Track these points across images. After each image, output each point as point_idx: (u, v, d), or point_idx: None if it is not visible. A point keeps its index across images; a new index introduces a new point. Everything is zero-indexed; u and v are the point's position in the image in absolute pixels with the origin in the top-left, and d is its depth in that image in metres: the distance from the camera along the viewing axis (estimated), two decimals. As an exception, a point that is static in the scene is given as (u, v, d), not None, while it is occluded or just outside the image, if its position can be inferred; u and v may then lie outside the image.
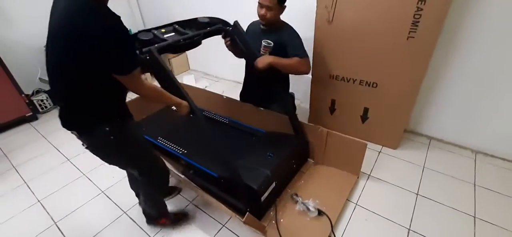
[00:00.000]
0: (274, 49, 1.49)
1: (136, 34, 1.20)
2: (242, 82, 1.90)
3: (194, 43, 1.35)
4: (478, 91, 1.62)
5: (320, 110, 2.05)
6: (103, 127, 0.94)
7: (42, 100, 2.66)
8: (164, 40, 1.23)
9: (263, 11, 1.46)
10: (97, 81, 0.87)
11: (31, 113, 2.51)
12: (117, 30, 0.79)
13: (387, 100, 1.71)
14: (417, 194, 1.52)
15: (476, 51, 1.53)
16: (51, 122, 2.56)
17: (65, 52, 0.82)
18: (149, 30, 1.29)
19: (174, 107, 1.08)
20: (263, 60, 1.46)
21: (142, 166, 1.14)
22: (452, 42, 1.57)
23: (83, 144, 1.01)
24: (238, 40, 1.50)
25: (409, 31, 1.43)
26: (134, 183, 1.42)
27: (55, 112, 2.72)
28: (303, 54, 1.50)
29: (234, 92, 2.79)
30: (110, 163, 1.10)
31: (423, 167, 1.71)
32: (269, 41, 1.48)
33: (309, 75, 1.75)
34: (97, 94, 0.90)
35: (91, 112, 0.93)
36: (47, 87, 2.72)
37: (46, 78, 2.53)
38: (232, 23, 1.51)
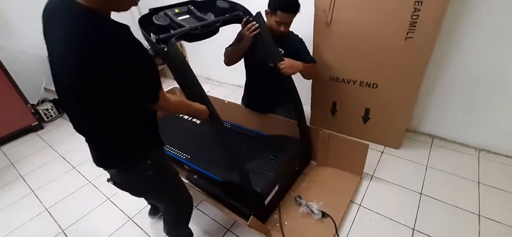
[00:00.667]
0: (284, 56, 1.44)
1: (149, 15, 1.03)
2: (244, 87, 1.89)
3: (212, 31, 1.20)
4: (480, 89, 1.63)
5: (321, 112, 2.06)
6: (145, 160, 0.85)
7: (47, 110, 2.70)
8: (180, 25, 1.07)
9: (282, 28, 1.43)
10: (127, 112, 0.76)
11: (37, 123, 2.55)
12: (138, 54, 0.68)
13: (388, 100, 1.72)
14: (421, 194, 1.52)
15: (476, 48, 1.54)
16: (56, 131, 2.60)
17: (82, 92, 0.68)
18: (161, 9, 1.10)
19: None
20: (293, 66, 1.38)
21: (170, 199, 1.06)
22: (452, 41, 1.58)
23: (109, 180, 0.93)
24: (261, 33, 1.34)
25: (407, 32, 1.44)
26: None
27: (60, 121, 2.77)
28: (313, 59, 1.58)
29: (235, 96, 2.82)
30: (136, 196, 1.01)
31: (426, 166, 1.71)
32: (280, 49, 1.46)
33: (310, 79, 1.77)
34: (129, 125, 0.80)
35: (128, 145, 0.82)
36: (52, 96, 2.77)
37: (51, 88, 2.58)
38: (254, 14, 1.36)
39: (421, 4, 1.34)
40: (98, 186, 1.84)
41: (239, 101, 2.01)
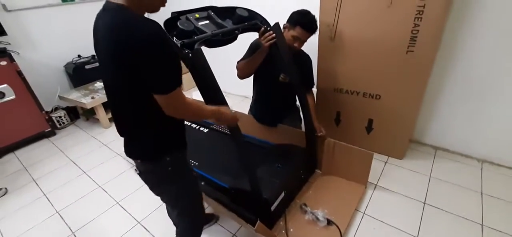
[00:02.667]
0: (295, 73, 1.49)
1: (174, 20, 1.02)
2: (252, 99, 1.94)
3: (231, 39, 1.20)
4: (482, 100, 1.67)
5: (325, 122, 2.10)
6: (163, 157, 0.89)
7: (60, 117, 2.80)
8: (202, 31, 1.07)
9: (296, 44, 1.47)
10: (153, 106, 0.78)
11: (50, 129, 2.65)
12: (160, 40, 0.70)
13: (391, 111, 1.76)
14: (424, 203, 1.54)
15: (477, 59, 1.59)
16: (68, 137, 2.69)
17: (115, 73, 0.76)
18: (182, 13, 1.10)
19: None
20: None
21: (185, 203, 1.06)
22: (453, 53, 1.64)
23: (136, 170, 0.98)
24: (277, 43, 1.34)
25: (408, 46, 1.51)
26: (171, 213, 1.29)
27: (72, 128, 2.86)
28: (313, 83, 1.76)
29: (241, 106, 2.89)
30: (154, 192, 1.03)
31: (430, 176, 1.73)
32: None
33: (314, 89, 1.83)
34: (157, 120, 0.84)
35: (151, 140, 0.87)
36: (65, 104, 2.87)
37: (65, 96, 2.69)
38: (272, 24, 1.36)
39: (421, 20, 1.42)
40: (108, 190, 1.89)
41: (245, 111, 2.07)
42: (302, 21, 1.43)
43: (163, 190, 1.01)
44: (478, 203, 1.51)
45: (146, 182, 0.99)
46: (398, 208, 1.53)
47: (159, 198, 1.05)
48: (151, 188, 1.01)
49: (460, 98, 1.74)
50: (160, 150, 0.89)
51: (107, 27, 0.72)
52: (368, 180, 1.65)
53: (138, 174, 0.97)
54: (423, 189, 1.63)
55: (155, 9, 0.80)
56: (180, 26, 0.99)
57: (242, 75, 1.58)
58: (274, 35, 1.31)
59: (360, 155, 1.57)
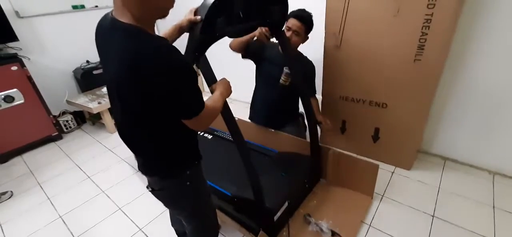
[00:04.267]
0: (292, 75, 1.53)
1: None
2: (252, 99, 1.92)
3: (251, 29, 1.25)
4: (493, 109, 1.62)
5: (331, 130, 2.08)
6: (184, 171, 0.88)
7: (67, 121, 2.84)
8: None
9: (289, 34, 1.50)
10: (171, 124, 0.79)
11: (57, 133, 2.68)
12: (187, 69, 0.70)
13: (398, 121, 1.73)
14: (433, 216, 1.49)
15: (487, 67, 1.55)
16: (74, 141, 2.72)
17: (132, 100, 0.71)
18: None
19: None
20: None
21: (201, 216, 1.05)
22: (462, 62, 1.61)
23: (148, 187, 0.95)
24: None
25: (416, 54, 1.49)
26: (176, 223, 1.30)
27: (78, 133, 2.89)
28: (315, 91, 1.74)
29: (245, 113, 2.88)
30: (170, 208, 1.02)
31: (439, 188, 1.68)
32: (286, 67, 1.55)
33: (319, 96, 1.82)
34: (173, 137, 0.83)
35: (170, 156, 0.85)
36: (72, 108, 2.92)
37: (73, 100, 2.73)
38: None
39: (429, 29, 1.40)
40: (111, 195, 1.89)
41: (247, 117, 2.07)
42: (292, 12, 1.50)
43: (179, 206, 0.99)
44: (490, 217, 1.45)
45: (161, 199, 0.96)
46: (405, 220, 1.48)
47: (161, 205, 1.02)
48: (167, 205, 0.98)
49: (470, 108, 1.69)
50: (180, 164, 0.88)
51: (124, 56, 0.66)
52: (375, 191, 1.61)
53: (152, 191, 0.94)
54: (432, 201, 1.58)
55: (165, 14, 0.73)
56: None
57: (232, 46, 1.64)
58: (265, 31, 1.36)
59: (365, 166, 1.54)
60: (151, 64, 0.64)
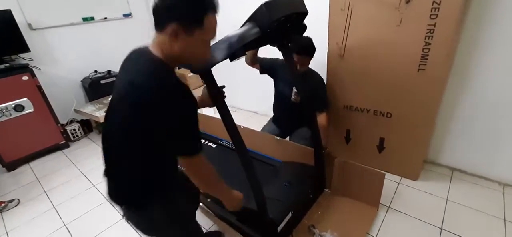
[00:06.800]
0: (304, 94, 1.54)
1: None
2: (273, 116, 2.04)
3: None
4: (501, 118, 1.59)
5: (335, 140, 2.07)
6: (160, 200, 0.86)
7: (74, 129, 2.90)
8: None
9: (298, 66, 1.58)
10: (158, 154, 0.80)
11: (64, 141, 2.73)
12: (195, 110, 0.74)
13: (403, 130, 1.71)
14: (441, 229, 1.45)
15: (494, 77, 1.53)
16: (80, 150, 2.75)
17: (129, 119, 0.74)
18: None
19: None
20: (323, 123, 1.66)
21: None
22: (468, 71, 1.59)
23: (123, 216, 0.94)
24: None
25: (419, 64, 1.48)
26: None
27: (85, 141, 2.94)
28: (327, 106, 1.74)
29: (251, 122, 2.89)
30: (149, 235, 0.99)
31: (447, 199, 1.64)
32: (294, 87, 1.63)
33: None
34: (156, 167, 0.83)
35: (148, 185, 0.84)
36: (80, 117, 2.97)
37: (80, 109, 2.78)
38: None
39: (432, 39, 1.40)
40: (115, 205, 1.90)
41: (254, 126, 2.07)
42: (297, 49, 1.56)
43: (158, 234, 0.97)
44: (501, 231, 1.40)
45: (138, 228, 0.95)
46: (412, 233, 1.44)
47: None
48: (144, 232, 0.96)
49: (478, 117, 1.66)
50: (157, 193, 0.86)
51: (136, 73, 0.72)
52: (380, 202, 1.58)
53: (127, 220, 0.93)
54: (440, 213, 1.54)
55: (184, 63, 0.82)
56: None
57: (248, 63, 1.74)
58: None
59: (371, 175, 1.51)
60: (164, 101, 0.69)
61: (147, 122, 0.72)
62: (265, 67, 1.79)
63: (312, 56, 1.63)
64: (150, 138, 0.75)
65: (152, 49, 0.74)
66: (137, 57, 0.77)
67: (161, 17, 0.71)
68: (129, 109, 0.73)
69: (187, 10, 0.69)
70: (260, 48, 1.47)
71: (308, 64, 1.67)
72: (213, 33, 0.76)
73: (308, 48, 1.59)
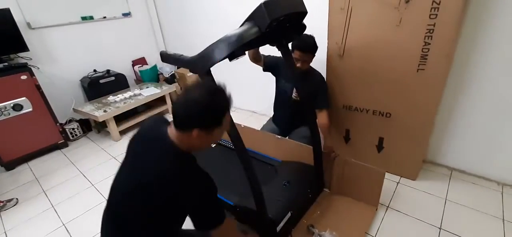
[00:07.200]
0: (302, 91, 1.54)
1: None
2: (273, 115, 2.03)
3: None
4: (501, 118, 1.59)
5: (335, 140, 2.07)
6: None
7: (73, 129, 2.89)
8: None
9: (299, 64, 1.58)
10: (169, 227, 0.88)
11: (63, 141, 2.72)
12: (215, 191, 0.88)
13: (402, 130, 1.71)
14: (440, 228, 1.45)
15: (494, 77, 1.53)
16: (79, 149, 2.75)
17: (143, 203, 0.82)
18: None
19: None
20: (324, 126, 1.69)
21: None
22: (468, 70, 1.59)
23: None
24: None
25: (419, 64, 1.48)
26: None
27: (84, 140, 2.93)
28: (328, 105, 1.72)
29: (250, 121, 2.89)
30: None
31: (445, 199, 1.64)
32: (295, 86, 1.62)
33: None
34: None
35: None
36: (78, 116, 2.97)
37: (79, 108, 2.78)
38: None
39: (431, 39, 1.40)
40: None
41: (253, 126, 2.07)
42: (298, 44, 1.56)
43: None
44: (500, 230, 1.41)
45: None
46: (411, 232, 1.45)
47: None
48: None
49: (477, 117, 1.67)
50: None
51: (162, 170, 0.81)
52: (379, 202, 1.58)
53: None
54: (439, 213, 1.55)
55: (201, 150, 0.89)
56: None
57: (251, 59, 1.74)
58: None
59: (371, 174, 1.52)
60: (192, 187, 0.82)
61: (173, 206, 0.82)
62: (269, 64, 1.78)
63: (314, 54, 1.63)
64: (172, 216, 0.85)
65: (174, 140, 0.82)
66: (161, 147, 0.84)
67: (183, 122, 0.80)
68: (156, 198, 0.81)
69: (209, 119, 0.80)
70: (261, 47, 1.47)
71: (310, 62, 1.66)
72: (228, 126, 0.89)
73: (311, 45, 1.59)
